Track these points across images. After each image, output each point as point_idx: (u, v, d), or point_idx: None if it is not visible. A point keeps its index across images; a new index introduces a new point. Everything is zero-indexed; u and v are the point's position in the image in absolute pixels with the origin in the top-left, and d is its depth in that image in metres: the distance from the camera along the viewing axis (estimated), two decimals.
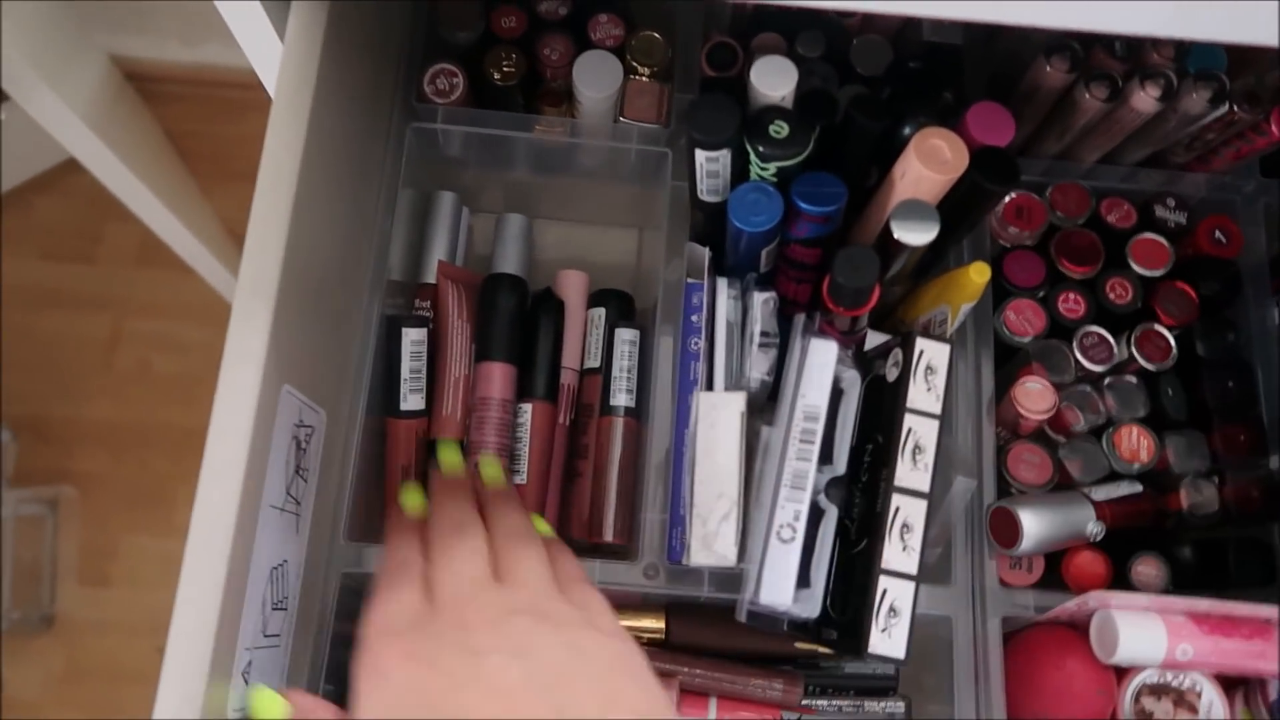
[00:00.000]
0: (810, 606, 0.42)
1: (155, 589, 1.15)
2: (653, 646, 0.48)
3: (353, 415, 0.47)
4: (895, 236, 0.43)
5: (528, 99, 0.54)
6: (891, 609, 0.40)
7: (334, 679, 0.45)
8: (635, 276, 0.60)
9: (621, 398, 0.51)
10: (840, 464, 0.44)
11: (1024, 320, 0.53)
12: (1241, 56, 0.50)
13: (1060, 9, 0.31)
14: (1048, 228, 0.55)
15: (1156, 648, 0.45)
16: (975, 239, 0.52)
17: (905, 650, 0.40)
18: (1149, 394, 0.52)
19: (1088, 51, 0.50)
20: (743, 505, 0.43)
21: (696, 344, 0.48)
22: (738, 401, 0.44)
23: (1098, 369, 0.51)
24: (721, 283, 0.48)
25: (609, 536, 0.49)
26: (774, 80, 0.44)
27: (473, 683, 0.29)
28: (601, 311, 0.53)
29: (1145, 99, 0.48)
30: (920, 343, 0.42)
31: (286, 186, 0.38)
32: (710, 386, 0.47)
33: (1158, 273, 0.54)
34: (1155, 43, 0.49)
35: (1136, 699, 0.46)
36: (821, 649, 0.48)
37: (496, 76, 0.51)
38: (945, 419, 0.42)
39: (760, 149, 0.43)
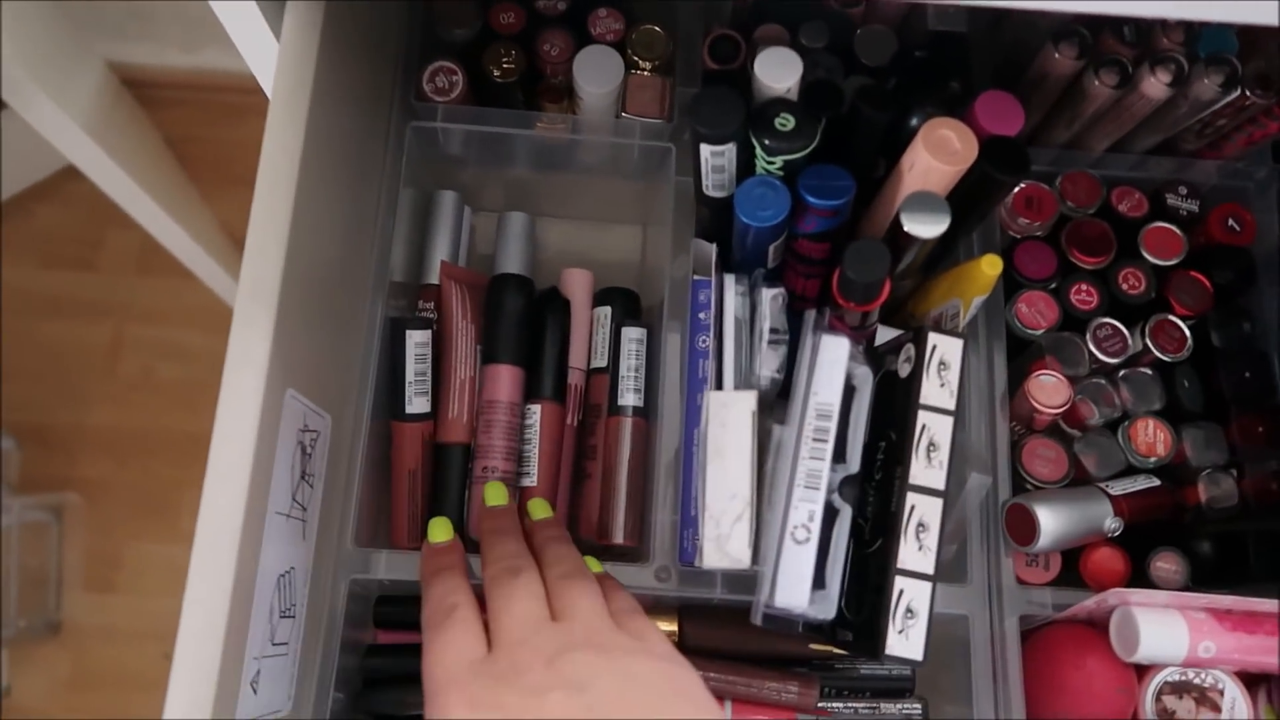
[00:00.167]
0: (826, 608, 0.41)
1: (161, 595, 1.15)
2: None
3: (358, 419, 0.46)
4: (905, 229, 0.42)
5: (528, 96, 0.54)
6: (908, 610, 0.39)
7: (343, 686, 0.44)
8: (640, 273, 0.59)
9: (629, 397, 0.50)
10: (854, 462, 0.43)
11: (1036, 313, 0.52)
12: (1253, 40, 0.49)
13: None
14: (1058, 218, 0.54)
15: (1178, 645, 0.44)
16: (985, 230, 0.52)
17: (923, 652, 0.39)
18: (1164, 386, 0.51)
19: (1096, 37, 0.49)
20: (755, 506, 0.43)
21: (704, 341, 0.48)
22: (748, 400, 0.44)
23: (1112, 361, 0.51)
24: (729, 279, 0.48)
25: (619, 538, 0.48)
26: (778, 72, 0.43)
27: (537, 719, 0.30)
28: (607, 310, 0.53)
29: (1156, 85, 0.48)
30: (933, 337, 0.42)
31: (286, 189, 0.38)
32: (720, 385, 0.46)
33: (1171, 262, 0.53)
34: (1165, 27, 0.49)
35: (1158, 697, 0.46)
36: (837, 650, 0.48)
37: (496, 74, 0.51)
38: (959, 415, 0.41)
39: (766, 142, 0.42)
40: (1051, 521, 0.46)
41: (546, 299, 0.53)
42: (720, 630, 0.48)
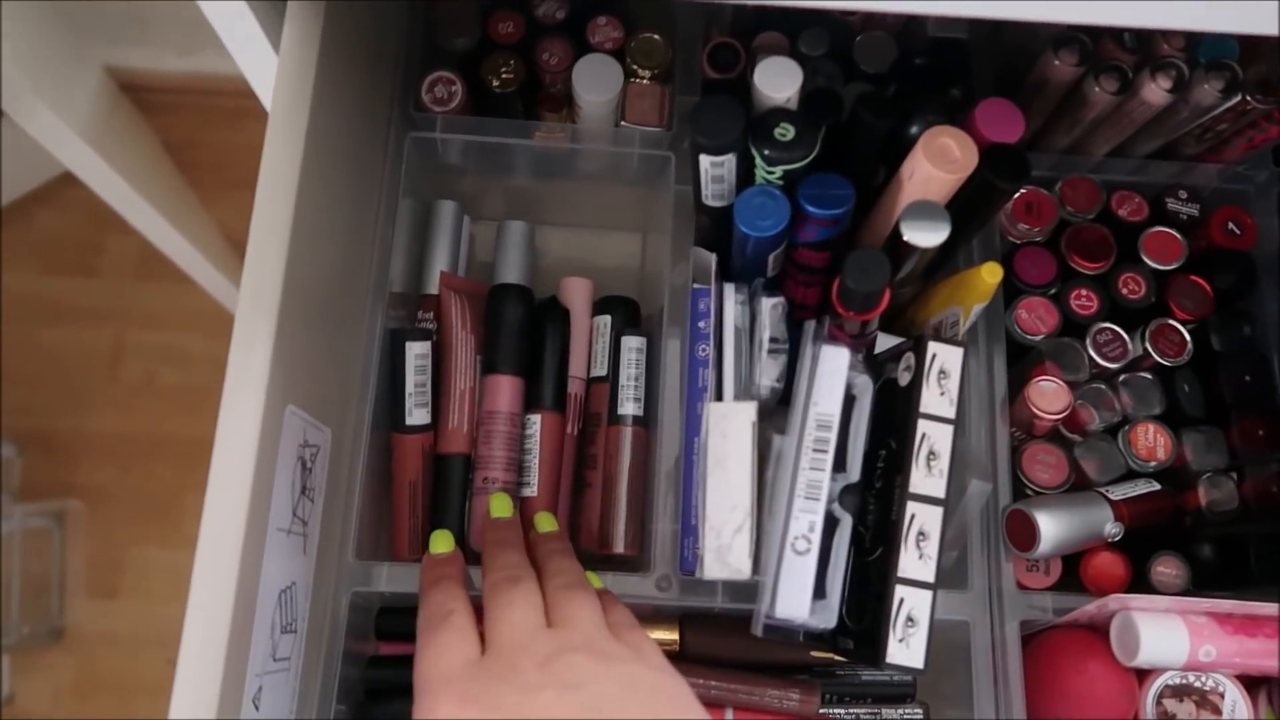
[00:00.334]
0: (827, 618, 0.42)
1: (164, 600, 1.15)
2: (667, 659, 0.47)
3: (358, 432, 0.46)
4: (905, 239, 0.42)
5: (527, 105, 0.53)
6: (909, 618, 0.39)
7: (345, 698, 0.45)
8: (640, 280, 0.59)
9: (629, 406, 0.50)
10: (854, 471, 0.43)
11: (1036, 318, 0.52)
12: (1253, 44, 0.49)
13: (1064, 7, 0.31)
14: (1058, 223, 0.54)
15: (1179, 649, 0.44)
16: (985, 237, 0.52)
17: (924, 660, 0.39)
18: (1165, 390, 0.51)
19: (1096, 43, 0.49)
20: (756, 516, 0.43)
21: (704, 350, 0.48)
22: (749, 411, 0.44)
23: (1112, 366, 0.51)
24: (728, 288, 0.48)
25: (620, 548, 0.48)
26: (778, 82, 0.43)
27: (528, 718, 0.30)
28: (607, 319, 0.53)
29: (1156, 91, 0.48)
30: (932, 346, 0.42)
31: (285, 202, 0.38)
32: (720, 394, 0.46)
33: (1171, 266, 0.53)
34: (1165, 33, 0.48)
35: (1159, 701, 0.46)
36: (838, 658, 0.48)
37: (495, 83, 0.51)
38: (959, 423, 0.41)
39: (766, 153, 0.42)
40: (1052, 527, 0.46)
41: (546, 308, 0.53)
42: (722, 638, 0.48)
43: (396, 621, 0.49)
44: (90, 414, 1.21)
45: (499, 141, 0.51)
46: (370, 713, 0.47)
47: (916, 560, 0.40)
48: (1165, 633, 0.44)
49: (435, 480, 0.50)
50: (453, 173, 0.55)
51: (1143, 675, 0.47)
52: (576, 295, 0.54)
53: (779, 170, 0.43)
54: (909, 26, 0.51)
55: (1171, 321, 0.51)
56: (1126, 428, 0.50)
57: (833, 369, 0.43)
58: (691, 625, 0.48)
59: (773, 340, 0.46)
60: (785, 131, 0.42)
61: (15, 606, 1.12)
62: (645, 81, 0.52)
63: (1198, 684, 0.46)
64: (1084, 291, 0.52)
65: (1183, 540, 0.49)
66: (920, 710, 0.49)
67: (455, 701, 0.31)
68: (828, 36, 0.49)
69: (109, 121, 0.90)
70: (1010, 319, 0.52)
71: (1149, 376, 0.51)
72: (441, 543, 0.40)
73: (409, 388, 0.49)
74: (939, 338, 0.42)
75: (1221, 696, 0.46)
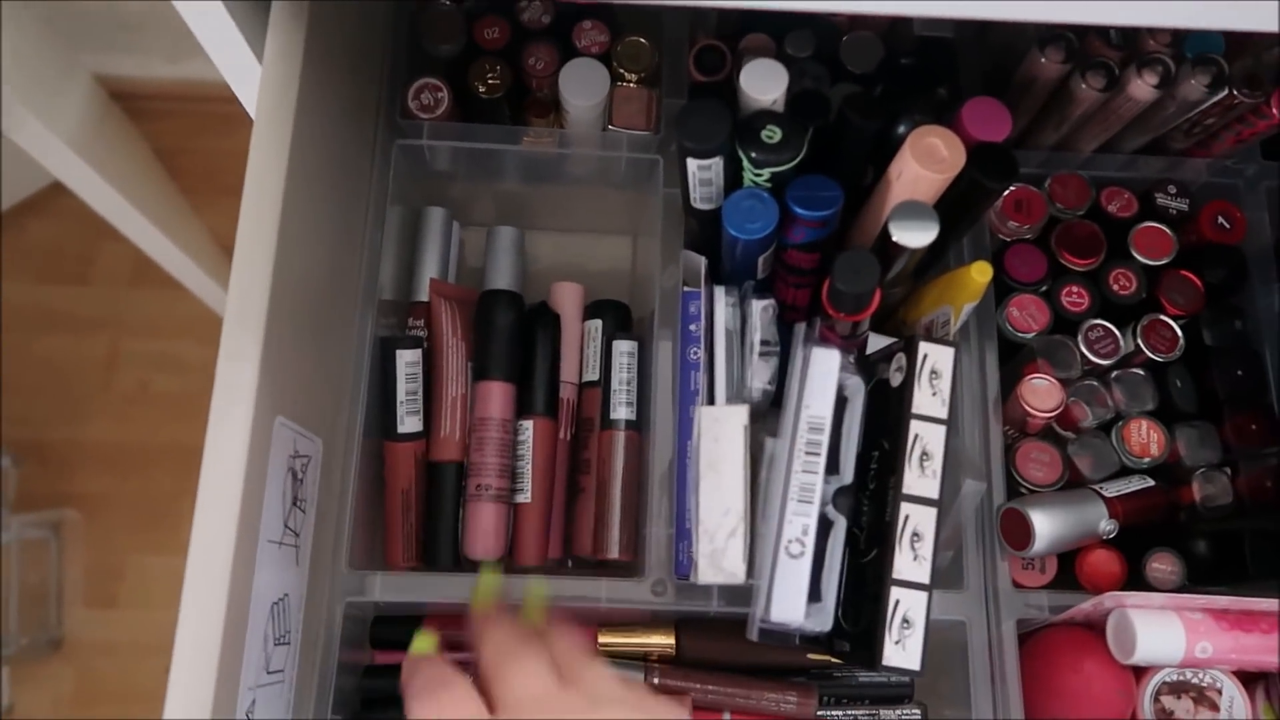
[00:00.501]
0: (822, 620, 0.41)
1: (163, 607, 1.14)
2: (664, 663, 0.47)
3: (349, 441, 0.46)
4: (894, 239, 0.42)
5: (514, 110, 0.53)
6: (905, 620, 0.39)
7: (341, 708, 0.44)
8: (630, 283, 0.59)
9: (622, 411, 0.50)
10: (847, 473, 0.43)
11: (1027, 316, 0.52)
12: (1240, 38, 0.49)
13: (1049, 7, 0.30)
14: (1048, 220, 0.54)
15: (1175, 646, 0.44)
16: (975, 236, 0.52)
17: (920, 662, 0.39)
18: (1157, 386, 0.51)
19: (1082, 40, 0.49)
20: (750, 520, 0.43)
21: (696, 353, 0.48)
22: (740, 415, 0.43)
23: (1104, 362, 0.51)
24: (719, 291, 0.48)
25: (614, 553, 0.48)
26: (764, 84, 0.43)
27: None
28: (598, 324, 0.53)
29: (1143, 87, 0.48)
30: (924, 347, 0.41)
31: (271, 212, 0.37)
32: (711, 397, 0.46)
33: (1161, 262, 0.53)
34: (1151, 28, 0.48)
35: (1156, 698, 0.46)
36: (834, 660, 0.48)
37: (481, 89, 0.51)
38: (952, 423, 0.41)
39: (753, 155, 0.42)
40: (1046, 525, 0.46)
41: (536, 314, 0.52)
42: (718, 642, 0.48)
43: (391, 630, 0.48)
44: (85, 423, 1.20)
45: (487, 147, 0.51)
46: None
47: (911, 562, 0.40)
48: (1161, 629, 0.44)
49: (428, 488, 0.50)
50: (441, 179, 0.55)
51: (1140, 672, 0.46)
52: (567, 300, 0.54)
53: (767, 172, 0.43)
54: (895, 27, 0.50)
55: (1163, 317, 0.51)
56: (1120, 424, 0.50)
57: (824, 371, 0.43)
58: (688, 630, 0.48)
59: (764, 343, 0.46)
60: (772, 134, 0.42)
61: (13, 617, 1.12)
62: (632, 85, 0.52)
63: (1195, 680, 0.46)
64: (1075, 288, 0.52)
65: (1178, 536, 0.49)
66: (918, 711, 0.49)
67: None
68: (814, 38, 0.49)
69: (99, 130, 0.89)
70: (1001, 317, 0.52)
71: (1141, 372, 0.51)
72: (423, 644, 0.37)
73: (400, 395, 0.48)
74: (930, 338, 0.42)
75: (1219, 693, 0.46)
